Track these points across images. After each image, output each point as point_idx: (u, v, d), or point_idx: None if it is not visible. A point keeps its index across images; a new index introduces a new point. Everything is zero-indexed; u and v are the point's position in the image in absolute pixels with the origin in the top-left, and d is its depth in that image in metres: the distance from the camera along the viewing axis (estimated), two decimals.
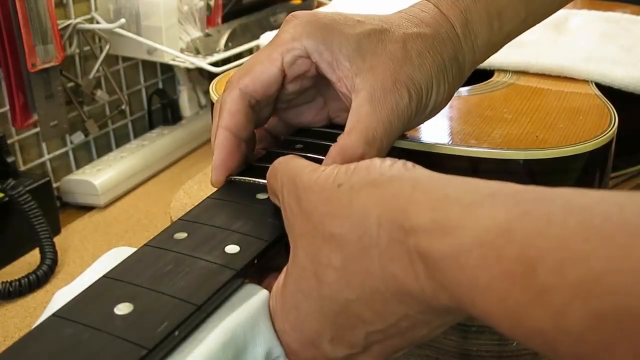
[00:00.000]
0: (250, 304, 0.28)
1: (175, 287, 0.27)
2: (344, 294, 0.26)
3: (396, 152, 0.42)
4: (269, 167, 0.38)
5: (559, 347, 0.19)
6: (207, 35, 0.89)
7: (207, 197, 0.35)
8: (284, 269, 0.30)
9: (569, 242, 0.19)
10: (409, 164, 0.27)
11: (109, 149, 0.90)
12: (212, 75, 0.85)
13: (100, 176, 0.79)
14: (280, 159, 0.32)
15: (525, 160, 0.41)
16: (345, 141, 0.34)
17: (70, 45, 0.80)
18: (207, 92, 1.02)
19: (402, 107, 0.35)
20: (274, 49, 0.37)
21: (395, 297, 0.25)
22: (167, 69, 0.99)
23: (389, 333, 0.26)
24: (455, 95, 0.53)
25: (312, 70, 0.38)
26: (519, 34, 0.43)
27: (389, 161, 0.27)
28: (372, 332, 0.27)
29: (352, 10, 0.81)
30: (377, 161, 0.27)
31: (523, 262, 0.20)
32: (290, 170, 0.30)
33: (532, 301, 0.19)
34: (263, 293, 0.29)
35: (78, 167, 0.84)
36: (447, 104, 0.40)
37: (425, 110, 0.38)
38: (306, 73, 0.38)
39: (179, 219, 0.33)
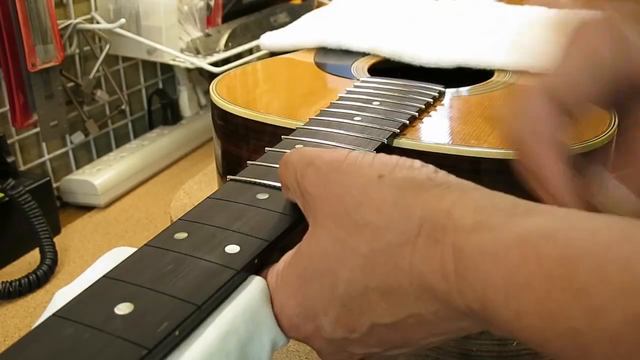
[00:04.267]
0: (246, 293, 0.28)
1: (175, 287, 0.27)
2: (364, 281, 0.26)
3: (397, 153, 0.42)
4: (268, 166, 0.38)
5: (593, 347, 0.19)
6: (207, 35, 0.89)
7: (207, 197, 0.35)
8: (294, 249, 0.30)
9: (611, 245, 0.19)
10: (444, 172, 0.28)
11: (109, 149, 0.90)
12: (212, 75, 0.85)
13: (100, 176, 0.79)
14: (290, 151, 0.32)
15: None
16: None
17: (70, 45, 0.80)
18: (207, 92, 1.02)
19: None
20: None
21: (416, 294, 0.25)
22: (167, 69, 0.99)
23: (392, 328, 0.27)
24: (455, 95, 0.53)
25: None
26: None
27: (431, 166, 0.28)
28: (378, 324, 0.27)
29: (352, 9, 0.82)
30: (418, 163, 0.28)
31: (564, 261, 0.20)
32: (306, 155, 0.30)
33: (570, 301, 0.19)
34: (258, 280, 0.29)
35: (78, 167, 0.84)
36: None
37: None
38: None
39: (179, 219, 0.33)
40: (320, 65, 0.64)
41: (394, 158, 0.28)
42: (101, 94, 0.84)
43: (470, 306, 0.23)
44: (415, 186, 0.26)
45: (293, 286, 0.29)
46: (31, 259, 0.66)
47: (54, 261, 0.64)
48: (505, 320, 0.22)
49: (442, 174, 0.27)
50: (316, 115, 0.46)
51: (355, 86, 0.53)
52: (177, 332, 0.25)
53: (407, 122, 0.45)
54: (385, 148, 0.42)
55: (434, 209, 0.25)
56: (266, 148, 0.41)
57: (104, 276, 0.28)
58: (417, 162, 0.28)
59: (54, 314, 0.25)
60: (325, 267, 0.28)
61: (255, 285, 0.29)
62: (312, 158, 0.30)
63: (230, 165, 0.53)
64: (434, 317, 0.25)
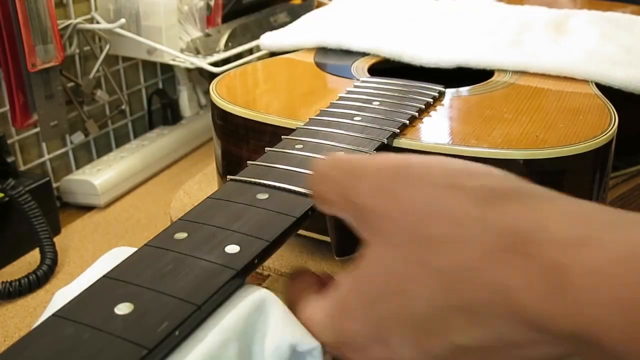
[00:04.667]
0: (249, 301, 0.28)
1: (175, 287, 0.27)
2: (443, 299, 0.24)
3: (397, 153, 0.42)
4: (268, 166, 0.38)
5: None
6: (207, 35, 0.89)
7: (207, 197, 0.35)
8: (348, 272, 0.28)
9: None
10: (526, 180, 0.26)
11: (109, 149, 0.90)
12: (212, 75, 0.85)
13: (100, 176, 0.79)
14: (321, 161, 0.30)
15: (525, 160, 0.41)
16: None
17: (70, 45, 0.80)
18: (207, 92, 1.02)
19: None
20: None
21: (501, 313, 0.23)
22: (167, 69, 0.99)
23: (471, 350, 0.24)
24: (455, 95, 0.53)
25: None
26: None
27: (511, 174, 0.26)
28: (456, 345, 0.25)
29: (352, 9, 0.82)
30: (496, 170, 0.26)
31: None
32: (354, 166, 0.28)
33: None
34: (262, 292, 0.29)
35: (78, 167, 0.84)
36: None
37: None
38: None
39: (179, 219, 0.33)
40: (320, 65, 0.64)
41: (465, 164, 0.26)
42: (101, 94, 0.84)
43: (574, 329, 0.21)
44: (498, 196, 0.24)
45: (357, 309, 0.27)
46: (31, 259, 0.66)
47: (54, 261, 0.64)
48: (618, 344, 0.20)
49: (526, 183, 0.25)
50: (316, 115, 0.46)
51: (355, 86, 0.53)
52: (177, 332, 0.25)
53: (407, 122, 0.45)
54: (385, 148, 0.42)
55: (524, 220, 0.23)
56: (266, 148, 0.41)
57: (104, 276, 0.28)
58: (495, 170, 0.26)
59: (54, 314, 0.25)
60: (396, 287, 0.26)
61: (258, 295, 0.29)
62: (364, 169, 0.27)
63: (230, 165, 0.53)
64: (522, 339, 0.23)
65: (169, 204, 0.61)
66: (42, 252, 0.64)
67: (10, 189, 0.63)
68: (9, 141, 0.72)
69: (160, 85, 0.99)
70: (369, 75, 0.60)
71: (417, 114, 0.47)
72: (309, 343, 0.29)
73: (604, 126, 0.44)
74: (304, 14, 0.84)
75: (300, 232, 0.39)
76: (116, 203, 0.80)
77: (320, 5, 1.05)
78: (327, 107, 0.48)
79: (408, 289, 0.25)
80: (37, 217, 0.63)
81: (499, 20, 0.72)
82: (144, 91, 0.96)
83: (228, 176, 0.38)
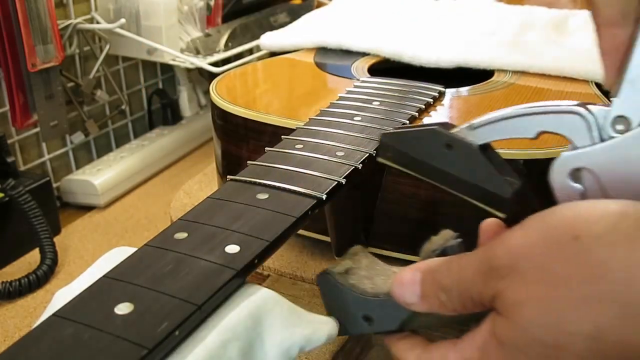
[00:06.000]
0: (250, 302, 0.28)
1: (175, 287, 0.27)
2: None
3: None
4: (268, 166, 0.38)
5: None
6: (207, 35, 0.89)
7: (207, 197, 0.35)
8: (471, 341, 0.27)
9: None
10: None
11: (109, 149, 0.90)
12: (212, 75, 0.85)
13: (100, 176, 0.79)
14: (422, 272, 0.29)
15: (526, 160, 0.41)
16: None
17: (70, 45, 0.80)
18: (207, 92, 1.02)
19: None
20: None
21: None
22: (167, 69, 0.99)
23: None
24: (455, 95, 0.53)
25: None
26: None
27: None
28: None
29: (352, 9, 0.82)
30: (615, 201, 0.24)
31: None
32: (471, 259, 0.26)
33: None
34: (264, 292, 0.29)
35: (78, 167, 0.84)
36: None
37: None
38: None
39: (179, 219, 0.33)
40: (320, 65, 0.64)
41: (579, 218, 0.24)
42: (101, 94, 0.84)
43: None
44: (626, 238, 0.22)
45: None
46: (31, 259, 0.66)
47: (54, 261, 0.64)
48: None
49: None
50: (316, 115, 0.46)
51: (355, 86, 0.53)
52: (177, 332, 0.25)
53: (407, 122, 0.45)
54: None
55: None
56: (266, 148, 0.41)
57: (103, 276, 0.28)
58: (614, 209, 0.24)
59: (54, 314, 0.25)
60: (552, 344, 0.24)
61: (260, 296, 0.29)
62: (508, 265, 0.25)
63: (230, 165, 0.53)
64: None
65: (169, 204, 0.61)
66: (42, 252, 0.64)
67: (10, 189, 0.63)
68: (9, 141, 0.72)
69: (160, 85, 0.99)
70: (369, 75, 0.60)
71: (417, 114, 0.47)
72: (315, 342, 0.29)
73: None
74: (304, 14, 0.84)
75: (300, 232, 0.39)
76: (116, 203, 0.80)
77: (320, 5, 1.05)
78: (327, 107, 0.48)
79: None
80: (37, 217, 0.63)
81: (499, 21, 0.72)
82: (144, 91, 0.96)
83: (228, 176, 0.38)
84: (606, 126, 0.28)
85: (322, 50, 0.69)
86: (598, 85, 0.55)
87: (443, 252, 0.31)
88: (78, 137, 0.84)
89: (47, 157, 0.79)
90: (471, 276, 0.27)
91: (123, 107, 0.89)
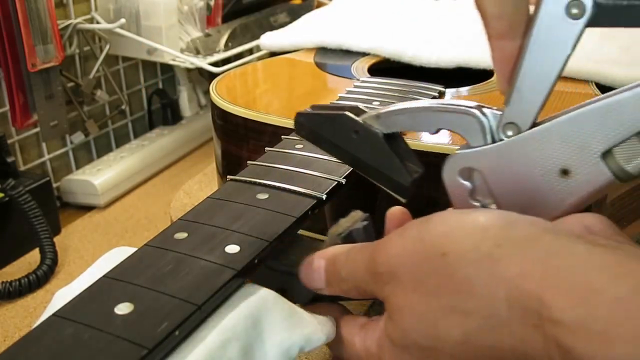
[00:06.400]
0: (249, 302, 0.28)
1: (175, 287, 0.27)
2: None
3: None
4: (268, 166, 0.38)
5: None
6: (207, 35, 0.89)
7: (207, 197, 0.35)
8: (370, 339, 0.30)
9: None
10: (514, 220, 0.26)
11: (109, 149, 0.90)
12: (212, 75, 0.85)
13: (100, 176, 0.79)
14: (325, 257, 0.31)
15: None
16: None
17: (70, 45, 0.80)
18: (207, 92, 1.02)
19: None
20: None
21: None
22: (167, 69, 0.99)
23: None
24: (455, 95, 0.53)
25: None
26: None
27: (496, 222, 0.26)
28: None
29: (352, 9, 0.81)
30: (480, 219, 0.26)
31: None
32: (377, 270, 0.28)
33: None
34: (263, 292, 0.29)
35: (78, 167, 0.84)
36: None
37: None
38: None
39: (179, 219, 0.33)
40: (320, 65, 0.64)
41: (447, 235, 0.26)
42: (101, 94, 0.84)
43: None
44: (484, 259, 0.25)
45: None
46: (31, 259, 0.66)
47: (54, 261, 0.64)
48: None
49: (520, 227, 0.25)
50: None
51: (355, 86, 0.53)
52: (177, 332, 0.25)
53: None
54: None
55: (519, 289, 0.23)
56: (266, 148, 0.41)
57: (103, 276, 0.28)
58: (478, 225, 0.26)
59: (54, 314, 0.25)
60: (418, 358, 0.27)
61: (260, 296, 0.29)
62: (389, 272, 0.28)
63: (230, 165, 0.53)
64: None
65: (169, 204, 0.61)
66: (42, 252, 0.64)
67: (10, 189, 0.63)
68: (9, 141, 0.72)
69: (160, 85, 0.99)
70: (369, 75, 0.60)
71: None
72: (314, 343, 0.29)
73: None
74: (304, 14, 0.84)
75: (300, 232, 0.39)
76: (116, 203, 0.80)
77: (320, 5, 1.05)
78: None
79: (437, 354, 0.26)
80: (37, 217, 0.63)
81: None
82: (144, 91, 0.96)
83: (228, 176, 0.38)
84: (499, 130, 0.30)
85: (322, 50, 0.69)
86: (598, 85, 0.55)
87: (349, 235, 0.33)
88: (78, 137, 0.84)
89: (47, 157, 0.79)
90: (362, 274, 0.29)
91: (123, 107, 0.89)
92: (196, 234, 0.31)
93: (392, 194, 0.32)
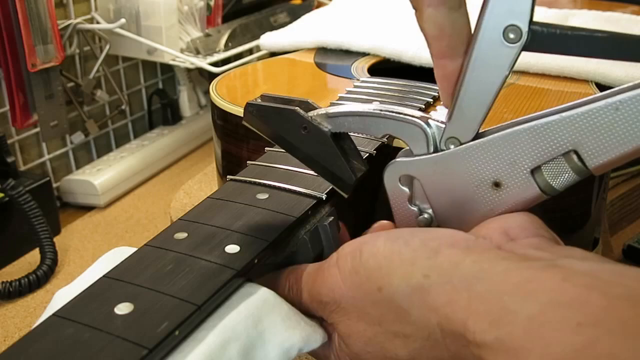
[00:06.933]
0: (249, 301, 0.28)
1: (175, 287, 0.27)
2: None
3: (397, 152, 0.42)
4: (268, 166, 0.38)
5: None
6: (207, 35, 0.89)
7: (207, 197, 0.35)
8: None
9: None
10: (437, 247, 0.28)
11: (109, 149, 0.90)
12: (212, 75, 0.85)
13: (100, 176, 0.79)
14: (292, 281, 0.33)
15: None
16: None
17: (70, 45, 0.80)
18: (207, 92, 1.02)
19: None
20: None
21: None
22: (167, 69, 0.99)
23: None
24: None
25: None
26: None
27: (421, 251, 0.28)
28: None
29: (352, 9, 0.81)
30: (406, 251, 0.28)
31: None
32: (323, 299, 0.31)
33: None
34: (263, 292, 0.29)
35: (78, 167, 0.84)
36: None
37: None
38: None
39: (179, 219, 0.33)
40: (320, 66, 0.64)
41: (380, 269, 0.28)
42: (101, 94, 0.84)
43: None
44: (417, 291, 0.27)
45: None
46: (31, 259, 0.66)
47: (54, 261, 0.64)
48: None
49: (443, 256, 0.27)
50: None
51: (355, 86, 0.53)
52: (177, 332, 0.25)
53: None
54: (385, 148, 0.42)
55: (448, 317, 0.26)
56: (266, 148, 0.41)
57: (104, 276, 0.28)
58: (406, 260, 0.28)
59: (54, 314, 0.25)
60: None
61: (260, 295, 0.29)
62: (333, 302, 0.30)
63: (230, 165, 0.53)
64: None
65: (169, 204, 0.61)
66: (42, 252, 0.64)
67: (10, 189, 0.63)
68: (9, 141, 0.72)
69: (160, 85, 0.99)
70: (368, 75, 0.60)
71: None
72: (312, 344, 0.29)
73: None
74: (304, 14, 0.84)
75: None
76: (116, 203, 0.80)
77: (320, 5, 1.05)
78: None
79: None
80: (37, 217, 0.63)
81: None
82: (144, 91, 0.96)
83: (228, 176, 0.38)
84: (441, 143, 0.32)
85: (322, 51, 0.69)
86: (598, 85, 0.55)
87: (315, 231, 0.34)
88: (78, 137, 0.84)
89: (47, 157, 0.79)
90: (309, 301, 0.31)
91: (123, 107, 0.89)
92: (196, 234, 0.31)
93: (337, 189, 0.33)
